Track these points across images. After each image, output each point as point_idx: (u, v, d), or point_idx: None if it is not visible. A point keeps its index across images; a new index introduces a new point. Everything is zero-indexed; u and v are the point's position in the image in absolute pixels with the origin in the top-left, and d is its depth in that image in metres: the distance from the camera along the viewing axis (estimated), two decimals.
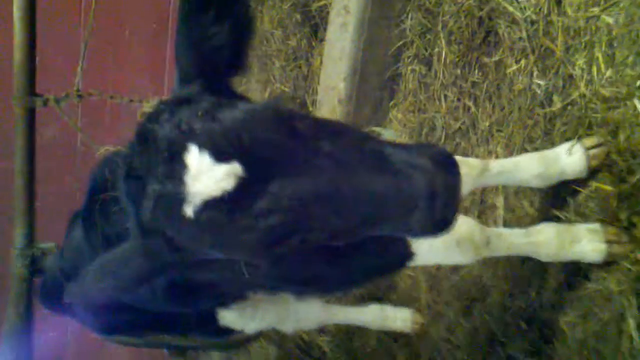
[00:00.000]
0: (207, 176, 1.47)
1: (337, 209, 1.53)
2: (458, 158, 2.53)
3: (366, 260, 2.42)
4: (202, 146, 1.49)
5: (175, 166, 1.51)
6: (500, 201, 3.13)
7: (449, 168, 1.57)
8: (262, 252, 1.58)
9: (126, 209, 1.76)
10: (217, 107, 1.58)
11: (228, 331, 3.13)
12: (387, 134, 3.89)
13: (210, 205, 1.48)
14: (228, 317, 2.99)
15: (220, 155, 1.48)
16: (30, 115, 3.65)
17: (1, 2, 4.45)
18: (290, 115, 1.62)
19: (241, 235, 1.51)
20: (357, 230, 1.64)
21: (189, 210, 1.49)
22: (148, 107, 3.23)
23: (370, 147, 1.62)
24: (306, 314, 3.46)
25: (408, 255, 2.43)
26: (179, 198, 1.50)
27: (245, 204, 1.48)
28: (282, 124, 1.56)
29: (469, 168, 2.51)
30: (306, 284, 2.47)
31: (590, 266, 2.62)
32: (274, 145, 1.52)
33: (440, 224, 1.57)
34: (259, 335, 3.95)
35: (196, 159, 1.49)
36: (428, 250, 2.46)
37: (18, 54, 3.56)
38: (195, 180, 1.48)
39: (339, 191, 1.51)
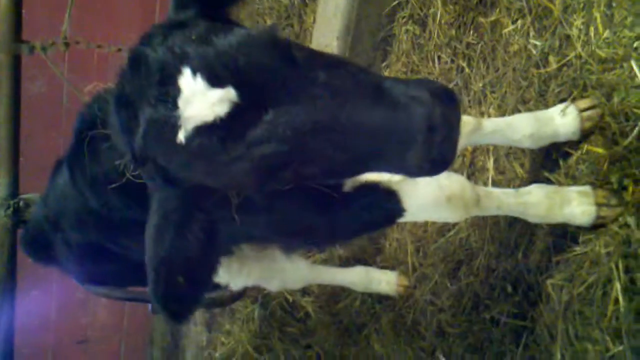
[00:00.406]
0: (200, 100, 1.42)
1: (332, 140, 1.47)
2: None
3: (356, 214, 2.40)
4: (195, 69, 1.44)
5: (168, 89, 1.45)
6: (490, 163, 3.12)
7: (449, 102, 1.49)
8: (255, 183, 1.53)
9: (116, 137, 1.71)
10: (212, 32, 1.51)
11: (214, 286, 3.12)
12: None
13: (203, 130, 1.43)
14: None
15: (214, 79, 1.43)
16: (16, 63, 3.58)
17: None
18: (287, 43, 1.55)
19: (233, 164, 1.46)
20: (352, 164, 1.58)
21: (180, 135, 1.44)
22: None
23: (367, 79, 1.55)
24: (292, 273, 3.45)
25: (398, 210, 2.42)
26: (170, 122, 1.44)
27: (238, 131, 1.43)
28: (279, 50, 1.50)
29: (462, 125, 2.49)
30: (296, 235, 2.45)
31: (578, 229, 2.61)
32: (269, 72, 1.45)
33: (438, 161, 1.49)
34: (243, 295, 3.94)
35: (189, 82, 1.44)
36: (418, 207, 2.44)
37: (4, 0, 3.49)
38: (188, 104, 1.43)
39: (335, 122, 1.45)
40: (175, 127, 1.44)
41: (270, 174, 1.51)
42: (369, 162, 1.58)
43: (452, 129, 1.48)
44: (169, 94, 1.45)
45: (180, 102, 1.44)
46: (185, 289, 1.64)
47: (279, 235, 2.51)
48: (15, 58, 3.56)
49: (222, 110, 1.42)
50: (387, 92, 1.49)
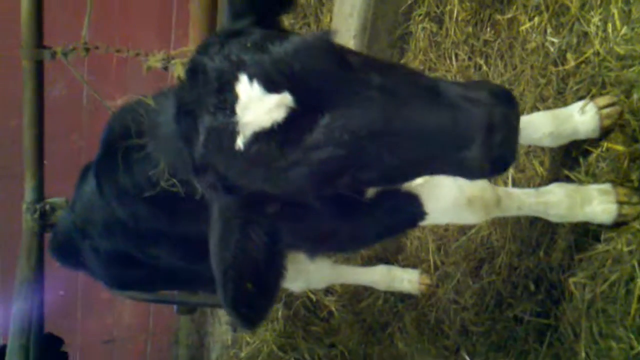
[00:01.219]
0: (257, 106, 1.44)
1: (389, 143, 1.47)
2: None
3: (379, 218, 2.41)
4: (252, 76, 1.46)
5: (225, 97, 1.48)
6: None
7: (508, 102, 1.48)
8: (313, 188, 1.54)
9: (170, 147, 1.75)
10: (267, 39, 1.53)
11: None
12: None
13: (261, 136, 1.44)
14: None
15: (270, 85, 1.44)
16: (38, 68, 3.63)
17: None
18: (341, 48, 1.57)
19: (291, 169, 1.47)
20: (411, 167, 1.59)
21: (239, 142, 1.46)
22: (154, 60, 3.19)
23: (424, 81, 1.55)
24: (316, 273, 3.47)
25: (420, 214, 2.42)
26: (229, 129, 1.47)
27: (296, 136, 1.44)
28: (333, 55, 1.50)
29: None
30: (320, 241, 2.46)
31: (600, 227, 2.60)
32: (325, 76, 1.46)
33: (498, 162, 1.48)
34: None
35: (246, 89, 1.46)
36: (439, 209, 2.44)
37: (25, 5, 3.54)
38: (245, 110, 1.45)
39: (392, 123, 1.45)
40: (233, 134, 1.46)
41: (329, 179, 1.52)
42: (428, 164, 1.57)
43: (512, 129, 1.47)
44: (227, 101, 1.48)
45: (238, 109, 1.46)
46: (254, 294, 1.65)
47: (302, 241, 2.52)
48: (37, 64, 3.61)
49: (279, 115, 1.43)
50: (445, 93, 1.48)
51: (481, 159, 1.44)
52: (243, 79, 1.46)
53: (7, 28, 4.30)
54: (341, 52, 1.54)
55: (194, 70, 1.59)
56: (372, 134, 1.45)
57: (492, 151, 1.43)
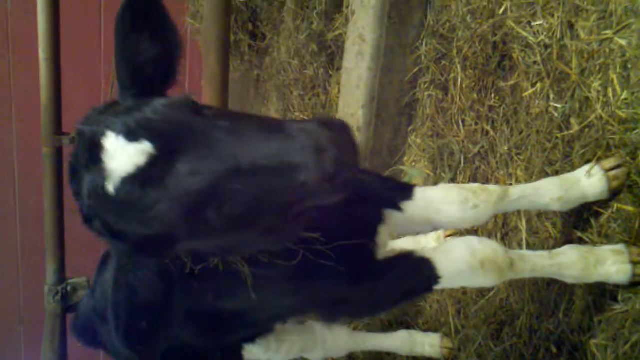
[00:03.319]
0: (121, 154, 1.62)
1: (236, 173, 1.59)
2: (477, 185, 2.57)
3: (392, 283, 2.46)
4: (118, 132, 1.65)
5: (97, 151, 1.66)
6: (522, 223, 3.14)
7: (338, 126, 1.60)
8: (181, 222, 1.65)
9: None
10: (137, 104, 1.74)
11: None
12: (413, 172, 3.92)
13: (127, 180, 1.61)
14: (254, 351, 3.02)
15: (132, 137, 1.63)
16: (58, 153, 3.73)
17: (27, 44, 4.58)
18: (196, 104, 1.76)
19: (156, 206, 1.61)
20: (265, 197, 1.65)
21: (110, 187, 1.63)
22: None
23: (265, 121, 1.75)
24: (334, 342, 3.47)
25: (434, 277, 2.47)
26: (102, 178, 1.64)
27: (158, 177, 1.60)
28: (188, 108, 1.71)
29: (488, 194, 2.54)
30: (333, 306, 2.50)
31: (617, 287, 2.61)
32: (180, 126, 1.65)
33: (334, 178, 1.55)
34: None
35: (112, 142, 1.64)
36: (453, 273, 2.49)
37: (44, 95, 3.67)
38: (112, 159, 1.63)
39: (235, 157, 1.60)
40: (105, 182, 1.64)
41: (191, 212, 1.63)
42: (278, 193, 1.64)
43: (341, 146, 1.56)
44: (98, 155, 1.66)
45: (106, 159, 1.64)
46: (147, 330, 1.83)
47: (316, 308, 2.57)
48: (57, 150, 3.72)
49: (140, 160, 1.61)
50: (280, 128, 1.63)
51: (313, 178, 1.54)
52: (110, 134, 1.65)
53: (28, 115, 4.42)
54: (196, 106, 1.74)
55: (77, 138, 1.78)
56: (220, 167, 1.60)
57: (322, 168, 1.53)
